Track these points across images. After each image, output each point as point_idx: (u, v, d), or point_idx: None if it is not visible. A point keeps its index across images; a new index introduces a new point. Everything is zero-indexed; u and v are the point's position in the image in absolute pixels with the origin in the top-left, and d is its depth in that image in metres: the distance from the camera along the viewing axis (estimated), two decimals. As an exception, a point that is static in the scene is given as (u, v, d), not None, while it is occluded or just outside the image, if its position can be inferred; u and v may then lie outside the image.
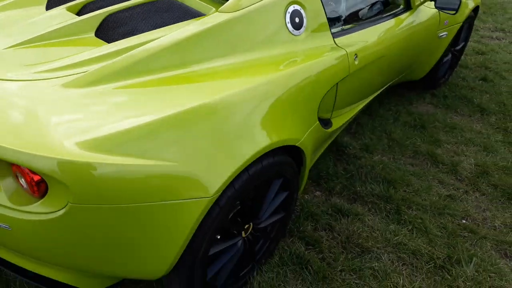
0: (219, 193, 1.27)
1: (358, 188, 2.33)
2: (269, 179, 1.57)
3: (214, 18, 1.53)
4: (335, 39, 1.91)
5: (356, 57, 1.92)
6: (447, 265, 1.90)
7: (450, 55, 3.38)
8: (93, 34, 1.65)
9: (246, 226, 1.61)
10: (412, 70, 2.97)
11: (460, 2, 2.34)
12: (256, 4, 1.60)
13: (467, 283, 1.82)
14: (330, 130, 2.09)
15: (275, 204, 1.71)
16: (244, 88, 1.39)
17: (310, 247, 1.95)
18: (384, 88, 2.72)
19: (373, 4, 2.33)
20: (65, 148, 1.05)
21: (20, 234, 1.15)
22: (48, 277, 1.33)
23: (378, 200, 2.25)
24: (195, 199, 1.22)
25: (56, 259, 1.21)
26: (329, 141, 2.30)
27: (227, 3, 1.58)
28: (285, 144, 1.48)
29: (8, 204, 1.12)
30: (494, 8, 5.51)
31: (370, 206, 2.22)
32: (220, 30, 1.50)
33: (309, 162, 1.83)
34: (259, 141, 1.37)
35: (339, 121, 2.24)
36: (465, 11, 2.96)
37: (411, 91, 3.42)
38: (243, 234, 1.62)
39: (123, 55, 1.36)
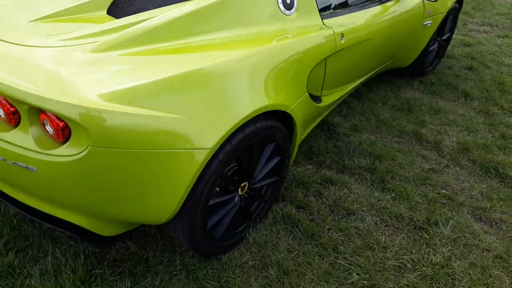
0: (218, 147, 1.45)
1: (346, 162, 2.51)
2: (262, 141, 1.75)
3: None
4: (323, 20, 2.10)
5: (342, 36, 2.11)
6: (425, 226, 2.09)
7: (436, 44, 3.57)
8: (105, 12, 1.84)
9: (242, 184, 1.79)
10: (399, 57, 3.16)
11: (440, -10, 2.54)
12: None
13: (443, 241, 2.01)
14: (320, 105, 2.27)
15: (268, 167, 1.89)
16: (241, 57, 1.57)
17: (300, 209, 2.13)
18: (372, 73, 2.91)
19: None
20: (87, 98, 1.24)
21: (45, 176, 1.33)
22: (65, 220, 1.50)
23: (365, 171, 2.44)
24: (197, 149, 1.40)
25: (75, 201, 1.38)
26: (320, 118, 2.49)
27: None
28: (276, 109, 1.66)
29: (36, 148, 1.30)
30: (483, 4, 5.72)
31: (357, 176, 2.41)
32: (217, 7, 1.68)
33: (300, 131, 2.01)
34: (254, 103, 1.55)
35: (329, 99, 2.42)
36: (448, 2, 3.16)
37: (400, 78, 3.61)
38: (240, 192, 1.80)
39: (134, 27, 1.55)
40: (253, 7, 1.79)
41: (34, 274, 1.70)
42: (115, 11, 1.82)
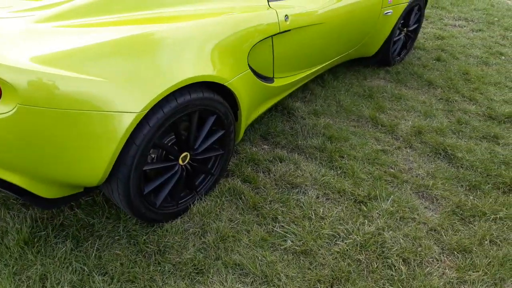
0: (146, 111, 1.55)
1: (299, 142, 2.61)
2: (201, 113, 1.85)
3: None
4: (270, 2, 2.20)
5: (286, 17, 2.20)
6: (365, 200, 2.18)
7: (402, 35, 3.67)
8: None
9: (183, 154, 1.89)
10: (362, 46, 3.25)
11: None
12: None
13: (380, 214, 2.10)
14: (272, 85, 2.37)
15: (211, 139, 1.99)
16: (176, 28, 1.68)
17: (247, 183, 2.23)
18: (334, 60, 3.00)
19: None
20: (17, 60, 1.34)
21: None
22: (6, 180, 1.60)
23: (315, 150, 2.53)
24: (125, 112, 1.50)
25: (9, 159, 1.48)
26: (275, 99, 2.58)
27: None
28: (211, 80, 1.76)
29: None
30: (461, 0, 5.81)
31: (307, 155, 2.50)
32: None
33: (245, 107, 2.10)
34: (185, 72, 1.65)
35: (282, 81, 2.52)
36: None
37: (367, 67, 3.70)
38: (181, 162, 1.90)
39: (75, 0, 1.65)
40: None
41: (-18, 235, 1.80)
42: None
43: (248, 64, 2.14)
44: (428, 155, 2.62)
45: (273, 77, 2.45)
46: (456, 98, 3.30)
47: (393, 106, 3.14)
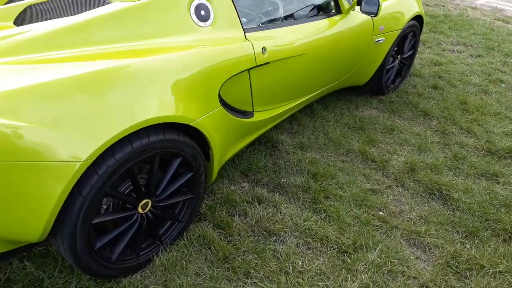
0: (93, 159, 1.37)
1: (282, 180, 2.41)
2: (164, 156, 1.67)
3: (111, 6, 1.66)
4: (246, 33, 2.04)
5: (264, 50, 2.04)
6: (350, 250, 1.97)
7: (396, 63, 3.51)
8: (11, 22, 1.79)
9: (143, 202, 1.70)
10: (352, 75, 3.09)
11: (378, 6, 2.48)
12: (157, -4, 1.74)
13: (366, 267, 1.88)
14: (250, 120, 2.19)
15: (177, 184, 1.80)
16: (130, 63, 1.51)
17: (220, 230, 2.02)
18: (321, 90, 2.83)
19: (297, 5, 2.47)
20: None
21: None
22: None
23: (298, 190, 2.33)
24: (67, 162, 1.32)
25: None
26: (256, 134, 2.40)
27: (128, -6, 1.72)
28: (173, 121, 1.58)
29: None
30: (460, 24, 5.68)
31: (289, 196, 2.30)
32: (115, 17, 1.63)
33: (218, 146, 1.92)
34: (141, 113, 1.48)
35: (263, 114, 2.35)
36: (401, 20, 3.10)
37: (359, 96, 3.53)
38: (140, 210, 1.71)
39: (18, 36, 1.49)
40: (158, 18, 1.74)
41: None
42: (21, 22, 1.78)
43: (222, 100, 1.97)
44: (421, 195, 2.42)
45: (253, 111, 2.28)
46: (453, 130, 3.11)
47: (385, 139, 2.95)
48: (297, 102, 2.63)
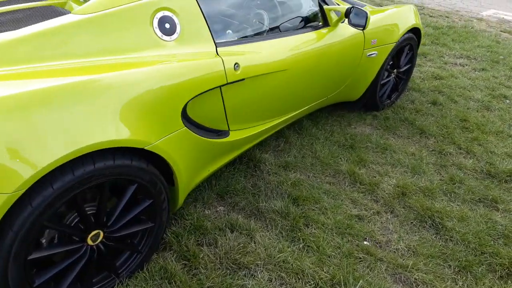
0: (23, 190, 1.21)
1: (261, 204, 2.24)
2: (116, 182, 1.51)
3: (62, 19, 1.53)
4: (219, 47, 1.89)
5: (237, 66, 1.88)
6: (327, 286, 1.78)
7: (392, 77, 3.33)
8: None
9: (93, 233, 1.54)
10: (343, 90, 2.92)
11: (367, 18, 2.32)
12: (114, 9, 1.59)
13: (344, 307, 1.70)
14: (223, 140, 2.03)
15: (134, 212, 1.64)
16: (74, 82, 1.36)
17: (185, 261, 1.85)
18: (306, 108, 2.66)
19: (281, 18, 2.32)
20: None
21: None
22: None
23: (277, 216, 2.16)
24: (-10, 194, 1.17)
25: None
26: (234, 154, 2.23)
27: (83, 6, 1.59)
28: (123, 145, 1.43)
29: None
30: (464, 36, 5.48)
31: (267, 222, 2.13)
32: (64, 31, 1.49)
33: (183, 170, 1.76)
34: (82, 138, 1.32)
35: (241, 134, 2.19)
36: (396, 32, 2.93)
37: (352, 112, 3.35)
38: (90, 242, 1.55)
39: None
40: (118, 32, 1.59)
41: None
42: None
43: (189, 119, 1.82)
44: (411, 223, 2.22)
45: (229, 130, 2.12)
46: (451, 150, 2.91)
47: (376, 159, 2.76)
48: (280, 120, 2.46)
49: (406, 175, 2.61)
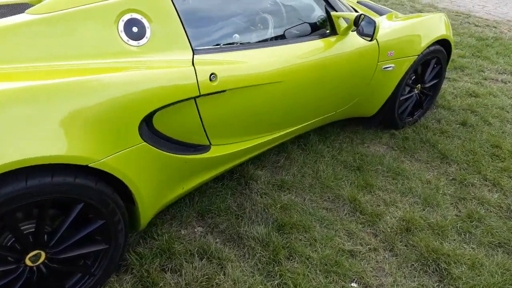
0: None
1: (242, 228, 2.03)
2: (58, 200, 1.37)
3: (15, 18, 1.40)
4: (196, 55, 1.70)
5: (213, 76, 1.69)
6: (296, 336, 1.55)
7: (415, 93, 3.00)
8: None
9: (33, 253, 1.40)
10: (355, 105, 2.65)
11: (374, 28, 2.04)
12: (72, 9, 1.45)
13: None
14: (201, 156, 1.85)
15: (81, 233, 1.49)
16: (8, 89, 1.22)
17: (142, 289, 1.68)
18: (307, 124, 2.41)
19: (279, 24, 2.10)
20: None
21: None
22: None
23: (256, 244, 1.94)
24: None
25: None
26: (217, 171, 2.05)
27: (38, 4, 1.45)
28: (57, 162, 1.27)
29: None
30: (510, 49, 4.96)
31: (244, 250, 1.91)
32: (14, 32, 1.36)
33: (145, 189, 1.60)
34: (9, 153, 1.18)
35: (225, 149, 2.00)
36: (418, 44, 2.61)
37: (368, 129, 3.06)
38: (29, 263, 1.41)
39: None
40: (73, 35, 1.45)
41: None
42: None
43: (156, 133, 1.65)
44: (412, 265, 1.93)
45: (210, 144, 1.93)
46: (475, 181, 2.56)
47: (385, 185, 2.47)
48: (275, 135, 2.24)
49: (416, 207, 2.30)
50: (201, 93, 1.65)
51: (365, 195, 2.36)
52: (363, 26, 2.12)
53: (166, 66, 1.58)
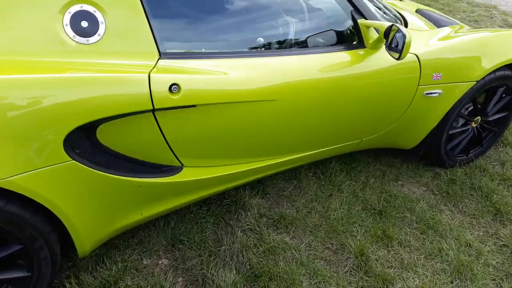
0: None
1: (210, 272, 1.69)
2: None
3: None
4: (162, 60, 1.40)
5: (176, 88, 1.36)
6: None
7: (472, 127, 2.42)
8: None
9: None
10: (387, 135, 2.17)
11: (404, 43, 1.56)
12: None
13: None
14: (162, 180, 1.56)
15: (-8, 258, 1.27)
16: None
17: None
18: (323, 150, 2.00)
19: (277, 29, 1.73)
20: None
21: None
22: None
23: (218, 296, 1.59)
24: None
25: None
26: (192, 196, 1.74)
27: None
28: None
29: None
30: None
31: (203, 300, 1.58)
32: None
33: (77, 215, 1.34)
34: None
35: (200, 172, 1.68)
36: (478, 68, 2.04)
37: (408, 163, 2.53)
38: None
39: None
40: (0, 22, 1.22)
41: None
42: None
43: (102, 148, 1.38)
44: None
45: (182, 166, 1.63)
46: (534, 253, 1.95)
47: (408, 240, 1.97)
48: (274, 162, 1.87)
49: (441, 276, 1.78)
50: (156, 107, 1.34)
51: (378, 250, 1.89)
52: (397, 40, 1.66)
53: (115, 71, 1.29)
